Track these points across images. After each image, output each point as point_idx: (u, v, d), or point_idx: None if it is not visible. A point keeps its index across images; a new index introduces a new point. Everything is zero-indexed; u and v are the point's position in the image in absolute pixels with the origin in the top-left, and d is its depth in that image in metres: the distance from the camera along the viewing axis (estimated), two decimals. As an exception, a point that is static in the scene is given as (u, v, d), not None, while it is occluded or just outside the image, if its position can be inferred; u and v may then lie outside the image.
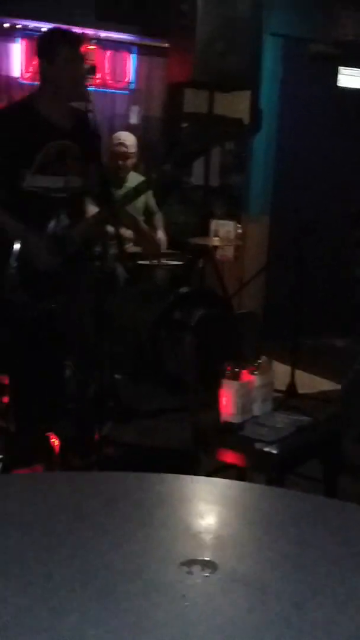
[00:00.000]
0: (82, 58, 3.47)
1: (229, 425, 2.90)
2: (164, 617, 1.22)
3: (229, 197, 6.71)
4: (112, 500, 1.65)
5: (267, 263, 6.28)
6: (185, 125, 6.54)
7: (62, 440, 3.31)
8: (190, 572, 1.33)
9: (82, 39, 3.57)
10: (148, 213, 5.77)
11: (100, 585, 1.29)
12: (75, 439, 3.44)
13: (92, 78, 5.90)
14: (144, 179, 4.10)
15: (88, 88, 3.59)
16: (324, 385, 5.28)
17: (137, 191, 3.80)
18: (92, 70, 5.85)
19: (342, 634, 1.19)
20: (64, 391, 3.42)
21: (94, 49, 6.06)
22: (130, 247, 5.16)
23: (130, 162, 5.55)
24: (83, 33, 5.59)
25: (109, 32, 6.09)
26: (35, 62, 3.88)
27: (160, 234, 5.74)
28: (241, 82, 5.61)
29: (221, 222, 6.20)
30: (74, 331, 3.49)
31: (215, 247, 5.76)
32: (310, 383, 5.32)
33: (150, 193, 5.58)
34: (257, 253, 6.52)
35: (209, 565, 1.35)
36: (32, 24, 5.79)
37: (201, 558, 1.37)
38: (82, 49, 3.53)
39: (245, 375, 2.91)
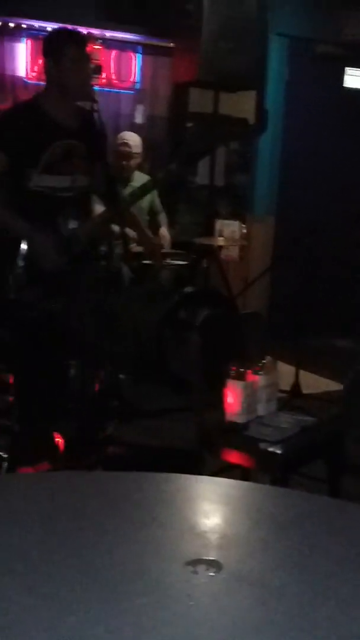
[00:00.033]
0: (88, 58, 3.47)
1: (233, 425, 2.90)
2: (169, 616, 1.22)
3: (233, 197, 6.71)
4: (117, 499, 1.65)
5: (272, 263, 6.28)
6: (190, 125, 6.54)
7: (65, 440, 3.31)
8: (195, 572, 1.33)
9: (87, 38, 3.58)
10: (153, 213, 5.78)
11: (105, 584, 1.29)
12: (79, 438, 3.44)
13: (97, 78, 5.92)
14: (149, 179, 4.10)
15: (94, 88, 3.59)
16: (328, 385, 5.28)
17: (143, 190, 3.81)
18: (98, 69, 5.87)
19: (346, 634, 1.19)
20: (68, 391, 3.42)
21: (99, 48, 6.07)
22: (135, 247, 5.17)
23: (134, 162, 5.55)
24: (88, 33, 5.60)
25: (114, 32, 6.10)
26: (41, 61, 3.88)
27: (164, 232, 5.75)
28: (246, 82, 5.61)
29: (226, 222, 6.20)
30: (79, 331, 3.49)
31: (220, 247, 5.77)
32: (315, 383, 5.32)
33: (155, 193, 5.59)
34: (261, 253, 6.52)
35: (214, 564, 1.35)
36: (37, 24, 5.80)
37: (206, 558, 1.37)
38: (88, 48, 3.54)
39: (250, 375, 2.91)
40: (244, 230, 6.33)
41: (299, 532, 1.55)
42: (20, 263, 3.27)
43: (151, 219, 5.78)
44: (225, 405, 2.91)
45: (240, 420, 2.90)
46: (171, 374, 4.95)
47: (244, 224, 6.37)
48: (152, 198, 5.65)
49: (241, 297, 5.85)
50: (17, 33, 5.89)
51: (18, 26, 5.84)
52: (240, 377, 2.88)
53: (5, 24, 5.80)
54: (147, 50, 6.42)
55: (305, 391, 5.01)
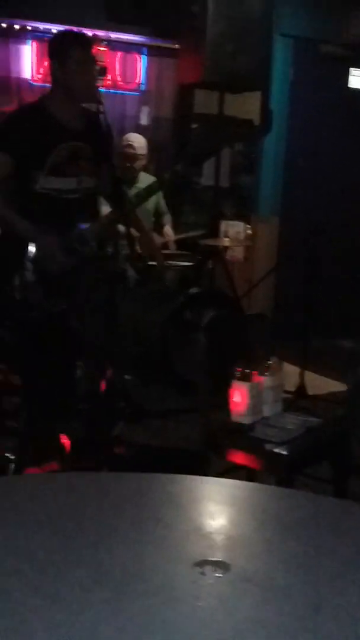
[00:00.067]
0: (93, 60, 3.48)
1: (239, 426, 2.91)
2: (176, 617, 1.22)
3: (239, 198, 6.72)
4: (123, 500, 1.66)
5: (277, 264, 6.28)
6: (195, 126, 6.55)
7: (72, 441, 3.32)
8: (202, 573, 1.33)
9: (93, 41, 3.59)
10: (158, 214, 5.79)
11: (113, 585, 1.30)
12: (85, 439, 3.45)
13: (102, 79, 5.93)
14: (154, 180, 4.11)
15: (99, 89, 3.60)
16: (334, 386, 5.28)
17: (149, 191, 3.82)
18: (103, 71, 5.88)
19: (353, 635, 1.20)
20: (75, 392, 3.43)
21: (105, 50, 6.08)
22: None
23: (139, 163, 5.56)
24: (94, 34, 5.61)
25: (119, 33, 6.11)
26: (46, 63, 3.90)
27: (169, 231, 5.75)
28: (251, 83, 5.61)
29: (231, 222, 6.21)
30: (84, 332, 3.50)
31: (225, 248, 5.78)
32: (320, 384, 5.32)
33: (160, 194, 5.60)
34: (266, 254, 6.52)
35: (221, 565, 1.36)
36: (42, 26, 5.81)
37: (213, 559, 1.38)
38: (93, 50, 3.55)
39: (256, 376, 2.92)
40: (249, 231, 6.34)
41: (304, 533, 1.56)
42: (27, 264, 3.28)
43: (156, 220, 5.79)
44: (230, 406, 2.91)
45: (245, 421, 2.90)
46: (176, 375, 4.95)
47: (249, 224, 6.38)
48: (157, 199, 5.66)
49: (246, 298, 5.85)
50: (23, 35, 5.90)
51: (23, 28, 5.86)
52: (245, 378, 2.88)
53: (11, 26, 5.81)
54: (152, 52, 6.43)
55: (310, 392, 5.01)
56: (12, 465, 3.13)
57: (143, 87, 6.48)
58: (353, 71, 6.71)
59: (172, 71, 6.32)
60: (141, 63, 6.43)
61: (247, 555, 1.46)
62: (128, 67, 6.37)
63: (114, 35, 6.10)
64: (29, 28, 5.87)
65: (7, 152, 3.34)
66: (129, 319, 4.63)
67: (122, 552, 1.41)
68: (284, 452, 2.79)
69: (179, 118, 6.59)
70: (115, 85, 6.31)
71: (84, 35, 3.57)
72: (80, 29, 4.00)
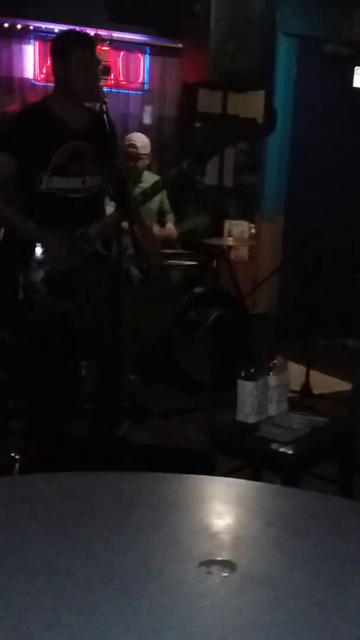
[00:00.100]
0: (96, 60, 3.48)
1: (244, 426, 2.90)
2: (184, 616, 1.22)
3: (242, 197, 6.71)
4: (130, 500, 1.65)
5: (281, 263, 6.27)
6: (198, 125, 6.54)
7: (77, 441, 3.32)
8: (209, 572, 1.33)
9: (96, 41, 3.58)
10: (161, 213, 5.79)
11: (120, 585, 1.29)
12: (90, 439, 3.45)
13: (105, 79, 5.92)
14: (159, 178, 4.10)
15: (102, 89, 3.60)
16: (339, 385, 5.27)
17: (153, 190, 3.81)
18: (106, 71, 5.88)
19: (360, 634, 1.19)
20: (80, 391, 3.43)
21: (107, 50, 6.08)
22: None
23: (142, 163, 5.56)
24: (96, 34, 5.61)
25: (122, 33, 6.10)
26: (49, 63, 3.89)
27: (171, 227, 5.74)
28: (255, 82, 5.60)
29: (235, 222, 6.20)
30: (90, 331, 3.50)
31: (229, 248, 5.77)
32: (325, 383, 5.31)
33: (164, 193, 5.59)
34: (271, 253, 6.51)
35: (228, 565, 1.35)
36: (44, 26, 5.81)
37: (220, 558, 1.38)
38: (96, 50, 3.54)
39: (261, 376, 2.91)
40: (253, 231, 6.33)
41: (311, 532, 1.55)
42: (31, 264, 3.28)
43: (159, 220, 5.78)
44: (235, 405, 2.91)
45: (251, 420, 2.90)
46: (181, 375, 4.95)
47: (253, 224, 6.38)
48: (161, 198, 5.65)
49: (250, 297, 5.84)
50: (25, 35, 5.90)
51: (25, 28, 5.85)
52: (250, 377, 2.88)
53: (13, 26, 5.81)
54: (155, 51, 6.43)
55: (315, 391, 5.01)
56: (17, 465, 3.13)
57: (146, 87, 6.47)
58: (357, 70, 6.70)
59: (175, 71, 6.31)
60: (144, 62, 6.43)
61: (253, 554, 1.45)
62: (131, 67, 6.37)
63: (116, 35, 6.09)
64: (31, 28, 5.86)
65: (11, 153, 3.34)
66: (133, 318, 4.63)
67: (128, 552, 1.41)
68: (290, 452, 2.79)
69: (182, 117, 6.58)
70: (118, 85, 6.30)
71: (86, 35, 3.57)
72: (83, 28, 4.00)
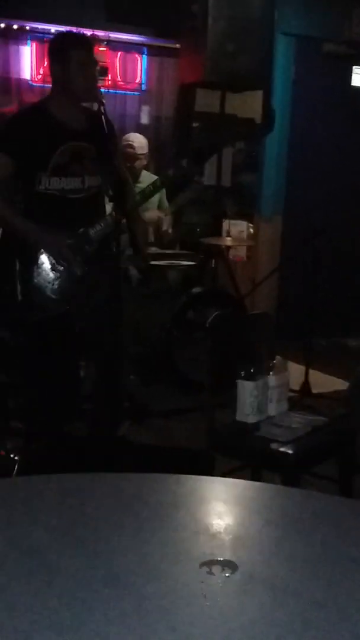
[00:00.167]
0: (94, 61, 3.48)
1: (244, 426, 2.90)
2: (185, 617, 1.22)
3: (241, 197, 6.71)
4: (130, 501, 1.65)
5: (280, 263, 6.27)
6: (196, 125, 6.54)
7: (77, 441, 3.31)
8: (210, 573, 1.33)
9: (93, 42, 3.58)
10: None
11: (121, 586, 1.29)
12: (90, 439, 3.45)
13: (103, 79, 5.92)
14: (157, 178, 4.10)
15: (100, 89, 3.60)
16: (338, 384, 5.27)
17: (153, 189, 3.81)
18: (103, 71, 5.87)
19: (362, 634, 1.19)
20: (80, 392, 3.43)
21: (105, 50, 6.07)
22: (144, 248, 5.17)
23: (139, 163, 5.56)
24: (93, 34, 5.61)
25: (119, 33, 6.10)
26: (46, 64, 3.89)
27: (167, 226, 5.74)
28: (253, 82, 5.60)
29: (233, 222, 6.20)
30: (88, 332, 3.50)
31: (228, 247, 5.77)
32: (324, 383, 5.31)
33: (163, 192, 5.59)
34: (269, 253, 6.51)
35: (229, 565, 1.35)
36: (42, 26, 5.80)
37: (221, 558, 1.38)
38: (94, 51, 3.54)
39: (260, 376, 2.91)
40: (252, 230, 6.33)
41: (311, 532, 1.55)
42: (31, 264, 3.29)
43: (159, 220, 5.78)
44: (235, 405, 2.91)
45: (250, 420, 2.90)
46: (180, 375, 4.95)
47: (251, 224, 6.37)
48: (160, 197, 5.65)
49: (250, 297, 5.84)
50: (22, 35, 5.89)
51: (22, 29, 5.85)
52: (250, 377, 2.88)
53: (10, 27, 5.81)
54: (153, 52, 6.42)
55: (314, 390, 5.01)
56: (17, 466, 3.13)
57: (144, 87, 6.47)
58: (356, 69, 6.70)
59: (173, 71, 6.31)
60: (142, 63, 6.42)
61: (254, 554, 1.45)
62: (128, 67, 6.36)
63: (114, 35, 6.09)
64: (28, 28, 5.85)
65: (8, 154, 3.34)
66: (132, 318, 4.62)
67: (129, 553, 1.41)
68: (290, 451, 2.79)
69: (179, 117, 6.58)
70: (115, 85, 6.30)
71: (84, 36, 3.57)
72: (80, 29, 4.00)
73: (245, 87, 5.72)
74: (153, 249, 5.46)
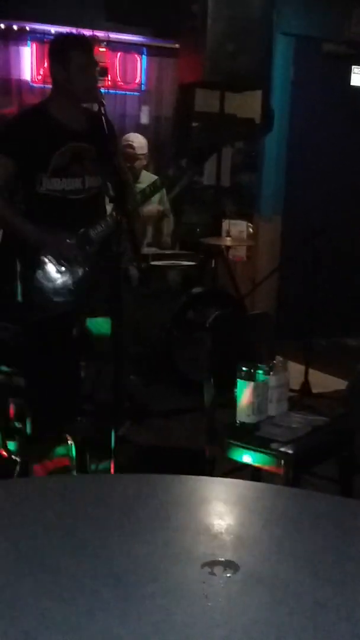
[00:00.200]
0: (94, 62, 3.49)
1: (244, 426, 2.90)
2: (187, 618, 1.22)
3: (240, 197, 6.71)
4: (131, 502, 1.66)
5: (280, 263, 6.28)
6: (196, 125, 6.54)
7: (77, 442, 3.31)
8: (212, 573, 1.33)
9: (94, 43, 3.58)
10: (161, 214, 5.79)
11: (123, 586, 1.30)
12: (91, 440, 3.45)
13: (102, 80, 5.92)
14: (157, 178, 4.10)
15: (100, 90, 3.60)
16: (338, 384, 5.28)
17: (153, 189, 3.81)
18: (103, 72, 5.87)
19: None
20: (80, 392, 3.43)
21: (104, 50, 6.07)
22: (144, 248, 5.18)
23: (139, 163, 5.56)
24: (93, 35, 5.61)
25: (119, 33, 6.10)
26: (46, 65, 3.89)
27: (167, 231, 5.74)
28: (252, 82, 5.60)
29: (233, 222, 6.20)
30: (89, 332, 3.50)
31: (228, 248, 5.77)
32: (324, 382, 5.32)
33: (164, 192, 5.60)
34: (269, 253, 6.52)
35: (231, 565, 1.36)
36: (41, 27, 5.80)
37: (222, 559, 1.38)
38: (94, 52, 3.55)
39: (260, 376, 2.91)
40: (251, 230, 6.33)
41: (312, 532, 1.56)
42: (31, 265, 3.29)
43: (158, 220, 5.78)
44: (235, 405, 2.91)
45: (251, 420, 2.90)
46: (180, 375, 4.95)
47: (251, 224, 6.38)
48: (160, 197, 5.65)
49: (249, 297, 5.85)
50: (22, 36, 5.89)
51: (22, 29, 5.85)
52: (250, 377, 2.88)
53: (10, 28, 5.81)
54: (152, 52, 6.42)
55: (314, 390, 5.01)
56: (17, 468, 3.13)
57: (143, 87, 6.47)
58: (355, 69, 6.70)
59: (173, 71, 6.31)
60: (141, 63, 6.43)
61: (255, 555, 1.46)
62: (128, 67, 6.36)
63: (113, 36, 6.09)
64: (28, 29, 5.85)
65: (8, 155, 3.34)
66: (132, 318, 4.62)
67: (131, 554, 1.41)
68: (290, 451, 2.79)
69: (179, 117, 6.58)
70: (115, 86, 6.30)
71: (84, 37, 3.57)
72: (80, 29, 4.00)
73: (244, 87, 5.73)
74: (152, 250, 5.46)
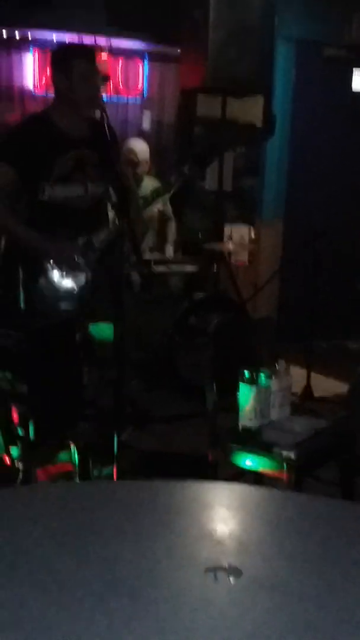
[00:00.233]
0: (97, 71, 3.50)
1: (246, 430, 2.91)
2: (190, 623, 1.23)
3: (242, 202, 6.71)
4: (135, 508, 1.66)
5: (281, 267, 6.28)
6: (198, 129, 6.55)
7: (80, 448, 3.32)
8: (215, 578, 1.34)
9: (96, 51, 3.59)
10: (163, 219, 5.79)
11: (127, 592, 1.30)
12: (93, 445, 3.45)
13: (104, 86, 5.93)
14: (159, 184, 4.12)
15: (102, 98, 3.61)
16: (340, 387, 5.27)
17: (155, 195, 3.82)
18: (105, 78, 5.88)
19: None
20: (82, 398, 3.44)
21: (106, 57, 6.09)
22: (146, 254, 5.19)
23: (141, 169, 5.57)
24: (95, 42, 5.62)
25: (120, 39, 6.11)
26: (49, 73, 3.90)
27: (172, 238, 5.75)
28: (253, 87, 5.60)
29: (235, 226, 6.20)
30: (91, 338, 3.51)
31: (230, 252, 5.77)
32: (326, 386, 5.31)
33: (167, 197, 5.60)
34: (271, 257, 6.52)
35: (234, 570, 1.36)
36: (44, 34, 5.82)
37: (226, 564, 1.38)
38: (97, 60, 3.56)
39: (263, 380, 2.92)
40: (253, 235, 6.34)
41: (315, 535, 1.56)
42: (34, 272, 3.29)
43: (161, 224, 5.79)
44: (238, 410, 2.92)
45: (253, 425, 2.91)
46: (182, 380, 4.95)
47: (252, 228, 6.38)
48: (163, 202, 5.66)
49: (251, 301, 5.85)
50: (24, 44, 5.91)
51: (24, 37, 5.86)
52: (252, 381, 2.89)
53: (12, 36, 5.82)
54: (154, 58, 6.44)
55: (316, 394, 5.01)
56: (20, 473, 3.13)
57: (145, 93, 6.48)
58: (357, 73, 6.70)
59: (174, 76, 6.32)
60: (143, 69, 6.44)
61: (258, 559, 1.46)
62: (130, 74, 6.38)
63: (115, 42, 6.10)
64: (30, 37, 5.87)
65: (9, 163, 3.35)
66: (134, 324, 4.63)
67: (134, 560, 1.42)
68: (293, 456, 2.79)
69: (181, 123, 6.59)
70: (117, 92, 6.31)
71: (87, 46, 3.59)
72: (82, 36, 4.01)
73: (246, 92, 5.73)
74: (155, 255, 5.47)
